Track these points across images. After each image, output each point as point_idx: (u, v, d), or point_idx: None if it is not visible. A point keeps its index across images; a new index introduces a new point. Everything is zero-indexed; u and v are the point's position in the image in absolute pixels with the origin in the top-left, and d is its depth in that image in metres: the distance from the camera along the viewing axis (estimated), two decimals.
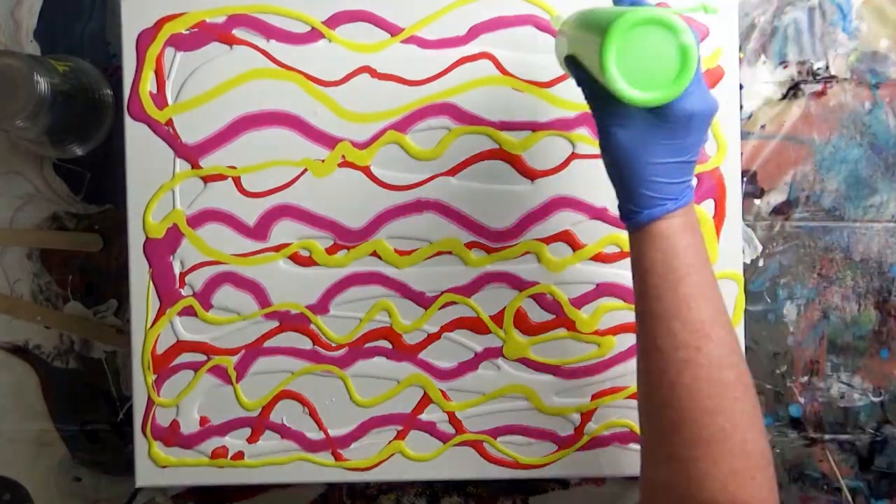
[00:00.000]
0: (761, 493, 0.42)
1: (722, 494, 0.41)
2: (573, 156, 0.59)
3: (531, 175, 0.59)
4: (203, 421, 0.59)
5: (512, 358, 0.59)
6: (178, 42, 0.58)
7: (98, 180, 0.63)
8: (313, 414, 0.59)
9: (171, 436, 0.59)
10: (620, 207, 0.44)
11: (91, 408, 0.64)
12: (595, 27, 0.40)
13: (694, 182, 0.44)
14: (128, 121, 0.58)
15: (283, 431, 0.59)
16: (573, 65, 0.45)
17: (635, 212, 0.42)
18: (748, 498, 0.41)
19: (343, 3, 0.58)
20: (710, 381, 0.41)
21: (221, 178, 0.58)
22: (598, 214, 0.59)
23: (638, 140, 0.41)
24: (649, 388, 0.43)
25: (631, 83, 0.38)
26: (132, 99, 0.58)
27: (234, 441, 0.59)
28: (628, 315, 0.59)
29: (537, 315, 0.59)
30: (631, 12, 0.38)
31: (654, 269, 0.42)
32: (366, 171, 0.58)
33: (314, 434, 0.59)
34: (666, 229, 0.42)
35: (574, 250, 0.59)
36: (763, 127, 0.63)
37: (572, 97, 0.58)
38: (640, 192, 0.42)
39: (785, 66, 0.63)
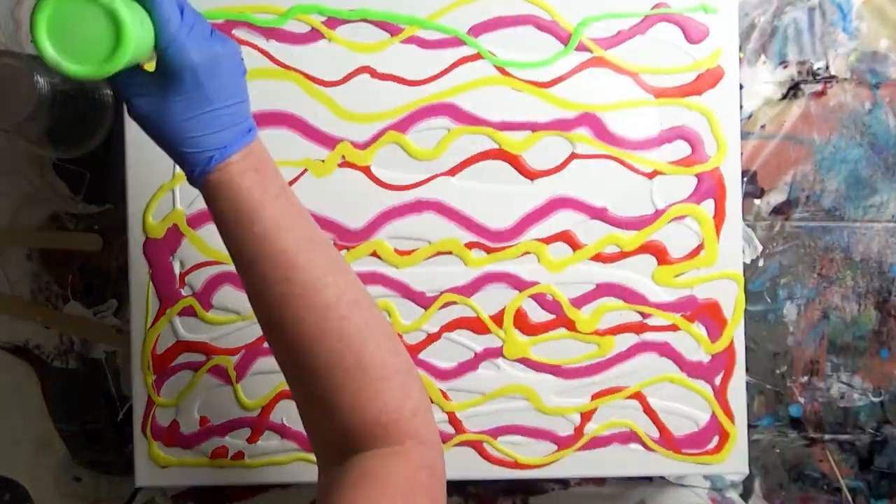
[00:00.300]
0: (392, 402, 0.41)
1: (352, 418, 0.41)
2: (573, 156, 0.59)
3: (531, 175, 0.59)
4: (203, 421, 0.59)
5: (512, 358, 0.59)
6: None
7: (98, 180, 0.63)
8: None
9: (171, 436, 0.59)
10: (181, 170, 0.43)
11: (91, 408, 0.64)
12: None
13: (248, 124, 0.43)
14: (128, 121, 0.58)
15: (283, 431, 0.59)
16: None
17: (189, 171, 0.42)
18: (377, 413, 0.41)
19: (347, 3, 0.58)
20: (310, 308, 0.41)
21: None
22: (598, 214, 0.59)
23: (157, 103, 0.40)
24: (271, 340, 0.43)
25: (67, 55, 0.37)
26: None
27: (234, 441, 0.59)
28: (628, 315, 0.59)
29: (537, 315, 0.59)
30: None
31: (225, 218, 0.42)
32: (365, 170, 0.58)
33: None
34: (222, 178, 0.42)
35: (574, 250, 0.59)
36: (763, 127, 0.63)
37: (572, 97, 0.58)
38: (182, 152, 0.41)
39: (785, 66, 0.63)
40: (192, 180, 0.43)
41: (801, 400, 0.64)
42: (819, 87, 0.63)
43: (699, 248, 0.59)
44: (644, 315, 0.59)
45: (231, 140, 0.42)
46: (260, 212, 0.42)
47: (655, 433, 0.59)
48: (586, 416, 0.59)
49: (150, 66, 0.41)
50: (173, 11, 0.39)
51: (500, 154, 0.58)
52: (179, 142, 0.41)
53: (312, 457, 0.59)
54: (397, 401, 0.42)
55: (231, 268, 0.58)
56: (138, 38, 0.37)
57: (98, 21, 0.37)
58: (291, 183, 0.58)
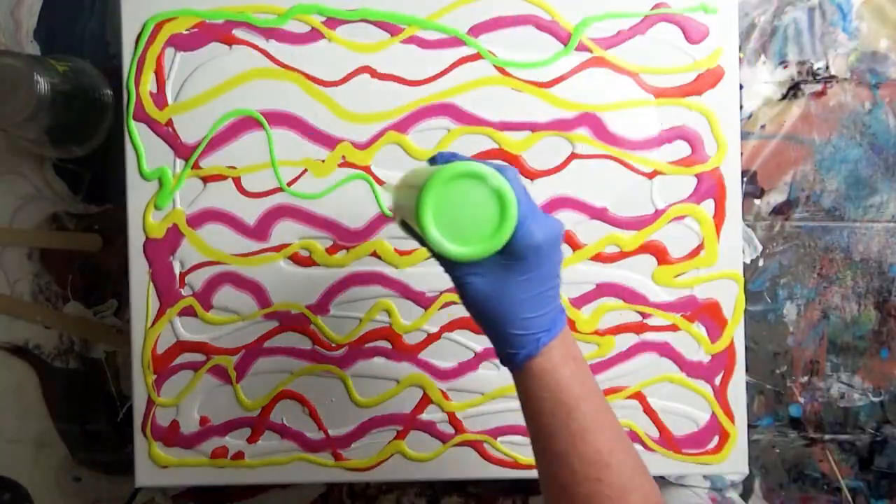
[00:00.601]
0: None
1: None
2: (573, 156, 0.59)
3: (531, 175, 0.59)
4: (203, 421, 0.59)
5: None
6: (178, 42, 0.58)
7: (98, 180, 0.63)
8: (313, 414, 0.59)
9: (171, 436, 0.59)
10: (498, 353, 0.43)
11: (91, 408, 0.64)
12: (413, 189, 0.40)
13: (560, 305, 0.42)
14: (128, 121, 0.58)
15: (283, 431, 0.59)
16: (408, 229, 0.44)
17: (513, 354, 0.41)
18: None
19: (347, 3, 0.58)
20: None
21: (221, 178, 0.58)
22: (598, 214, 0.59)
23: (495, 284, 0.40)
24: None
25: (453, 239, 0.38)
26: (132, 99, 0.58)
27: (234, 441, 0.59)
28: (628, 315, 0.59)
29: None
30: (441, 170, 0.38)
31: (542, 408, 0.41)
32: (366, 170, 0.58)
33: (314, 434, 0.59)
34: (546, 364, 0.41)
35: (574, 250, 0.59)
36: (763, 127, 0.63)
37: (572, 97, 0.58)
38: (512, 334, 0.41)
39: (785, 66, 0.63)
40: (513, 363, 0.42)
41: (801, 400, 0.64)
42: (819, 87, 0.63)
43: (699, 248, 0.59)
44: (644, 315, 0.59)
45: (552, 323, 0.42)
46: (580, 407, 0.41)
47: (655, 433, 0.59)
48: None
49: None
50: (522, 193, 0.39)
51: (499, 154, 0.58)
52: (511, 323, 0.41)
53: (312, 457, 0.59)
54: None
55: (231, 268, 0.58)
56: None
57: (483, 201, 0.38)
58: (291, 183, 0.58)
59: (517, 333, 0.41)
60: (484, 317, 0.41)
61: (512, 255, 0.39)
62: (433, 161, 0.44)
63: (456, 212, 0.38)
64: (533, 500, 0.64)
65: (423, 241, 0.41)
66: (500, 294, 0.40)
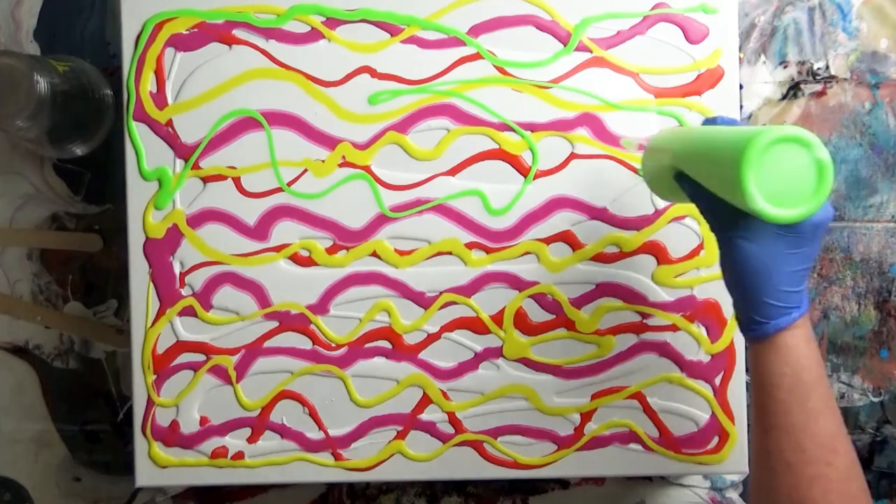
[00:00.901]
0: None
1: None
2: (573, 156, 0.59)
3: (532, 176, 0.59)
4: (203, 421, 0.59)
5: (512, 358, 0.59)
6: (178, 42, 0.58)
7: (98, 180, 0.63)
8: (313, 414, 0.59)
9: (171, 436, 0.59)
10: (741, 319, 0.43)
11: (91, 408, 0.64)
12: (722, 148, 0.40)
13: (806, 288, 0.43)
14: (128, 121, 0.58)
15: (283, 431, 0.59)
16: (687, 182, 0.45)
17: (762, 323, 0.42)
18: None
19: (347, 3, 0.58)
20: (840, 494, 0.41)
21: (221, 178, 0.58)
22: (598, 214, 0.59)
23: (765, 251, 0.41)
24: (775, 503, 0.42)
25: (769, 201, 0.38)
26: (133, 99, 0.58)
27: (234, 441, 0.59)
28: (628, 315, 0.59)
29: (537, 315, 0.59)
30: (766, 132, 0.38)
31: (782, 382, 0.42)
32: (366, 169, 0.58)
33: (314, 434, 0.59)
34: (792, 340, 0.42)
35: (574, 250, 0.59)
36: None
37: (572, 97, 0.58)
38: (768, 303, 0.41)
39: (785, 66, 0.63)
40: (757, 333, 0.42)
41: None
42: (819, 87, 0.63)
43: (699, 248, 0.59)
44: (644, 315, 0.59)
45: (802, 301, 0.42)
46: (817, 388, 0.42)
47: (655, 433, 0.59)
48: (586, 416, 0.59)
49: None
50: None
51: (500, 154, 0.58)
52: (770, 292, 0.41)
53: (312, 457, 0.59)
54: None
55: (231, 268, 0.58)
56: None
57: (801, 167, 0.38)
58: (291, 183, 0.58)
59: (773, 304, 0.41)
60: (743, 281, 0.42)
61: (792, 229, 0.40)
62: (712, 121, 0.45)
63: (773, 175, 0.38)
64: (533, 500, 0.64)
65: (702, 198, 0.43)
66: (768, 262, 0.41)
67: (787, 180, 0.38)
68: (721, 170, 0.40)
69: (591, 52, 0.58)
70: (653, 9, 0.58)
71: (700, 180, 0.43)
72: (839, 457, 0.41)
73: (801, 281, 0.42)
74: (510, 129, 0.58)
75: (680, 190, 0.46)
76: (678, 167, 0.46)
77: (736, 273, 0.42)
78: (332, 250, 0.59)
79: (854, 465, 0.42)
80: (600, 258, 0.59)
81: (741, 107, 0.62)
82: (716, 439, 0.59)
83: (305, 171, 0.59)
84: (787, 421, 0.42)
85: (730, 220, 0.42)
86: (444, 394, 0.59)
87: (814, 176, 0.39)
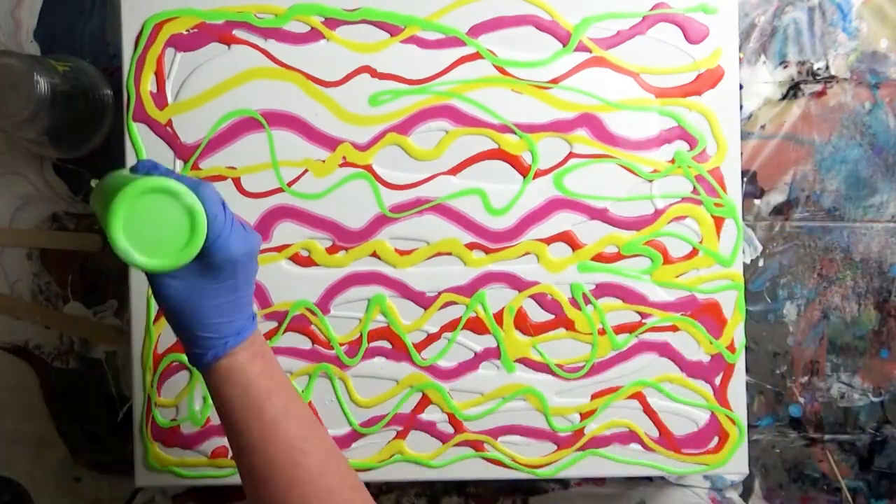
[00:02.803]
0: None
1: None
2: (573, 156, 0.59)
3: (532, 176, 0.59)
4: (203, 421, 0.59)
5: (512, 358, 0.59)
6: (178, 42, 0.58)
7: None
8: (313, 414, 0.59)
9: (171, 436, 0.59)
10: (187, 353, 0.44)
11: (91, 408, 0.64)
12: (108, 196, 0.41)
13: (252, 311, 0.45)
14: (128, 121, 0.58)
15: None
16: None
17: (200, 354, 0.43)
18: None
19: (348, 3, 0.58)
20: (317, 492, 0.43)
21: (221, 178, 0.58)
22: (598, 214, 0.59)
23: (189, 288, 0.42)
24: None
25: (142, 250, 0.39)
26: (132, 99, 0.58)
27: None
28: (628, 315, 0.59)
29: (537, 315, 0.59)
30: (134, 183, 0.39)
31: (233, 404, 0.43)
32: (367, 168, 0.58)
33: None
34: (234, 364, 0.43)
35: (574, 250, 0.59)
36: (763, 127, 0.63)
37: (572, 97, 0.58)
38: (200, 336, 0.42)
39: (785, 66, 0.63)
40: (200, 364, 0.43)
41: (801, 400, 0.64)
42: (819, 87, 0.63)
43: (699, 248, 0.59)
44: (644, 315, 0.59)
45: (243, 327, 0.44)
46: (271, 399, 0.43)
47: (655, 433, 0.59)
48: (586, 416, 0.59)
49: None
50: (219, 208, 0.41)
51: (499, 154, 0.58)
52: (201, 326, 0.42)
53: None
54: None
55: None
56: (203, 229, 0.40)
57: (174, 215, 0.39)
58: (291, 183, 0.58)
59: (205, 336, 0.43)
60: (176, 318, 0.43)
61: (208, 265, 0.41)
62: (134, 169, 0.45)
63: (147, 224, 0.39)
64: (533, 500, 0.64)
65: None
66: (193, 299, 0.42)
67: (163, 228, 0.39)
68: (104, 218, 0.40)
69: (590, 52, 0.58)
70: (653, 9, 0.58)
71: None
72: (308, 457, 0.43)
73: (231, 312, 0.43)
74: (510, 130, 0.58)
75: None
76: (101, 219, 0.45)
77: (167, 311, 0.43)
78: (332, 250, 0.59)
79: (330, 459, 0.44)
80: (600, 258, 0.59)
81: (741, 107, 0.62)
82: (716, 439, 0.59)
83: (306, 171, 0.59)
84: (249, 439, 0.43)
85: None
86: (444, 394, 0.59)
87: (187, 224, 0.39)
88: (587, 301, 0.59)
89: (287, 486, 0.43)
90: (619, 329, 0.59)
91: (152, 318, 0.59)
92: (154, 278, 0.42)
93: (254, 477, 0.44)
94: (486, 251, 0.59)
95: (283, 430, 0.43)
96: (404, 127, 0.58)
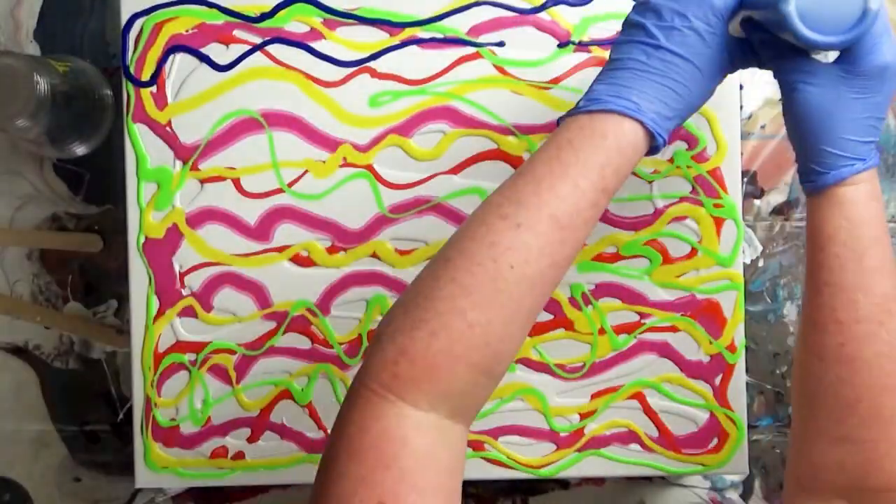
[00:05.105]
0: None
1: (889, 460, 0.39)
2: None
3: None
4: (203, 421, 0.59)
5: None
6: (178, 42, 0.58)
7: (98, 180, 0.63)
8: (313, 414, 0.59)
9: (171, 436, 0.59)
10: (801, 169, 0.42)
11: (91, 408, 0.64)
12: None
13: (876, 147, 0.41)
14: (127, 121, 0.58)
15: (283, 432, 0.59)
16: (750, 27, 0.42)
17: (820, 172, 0.40)
18: None
19: (348, 3, 0.58)
20: (892, 357, 0.40)
21: (220, 178, 0.58)
22: None
23: (827, 95, 0.39)
24: (822, 362, 0.41)
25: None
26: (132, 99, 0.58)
27: (234, 441, 0.59)
28: (628, 315, 0.59)
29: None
30: None
31: (838, 237, 0.40)
32: (368, 168, 0.58)
33: (314, 434, 0.59)
34: (853, 194, 0.40)
35: None
36: (763, 127, 0.63)
37: (572, 98, 0.58)
38: (827, 151, 0.40)
39: None
40: (816, 183, 0.41)
41: None
42: None
43: (699, 248, 0.59)
44: (644, 315, 0.59)
45: (869, 155, 0.40)
46: (876, 247, 0.40)
47: (655, 433, 0.59)
48: (586, 416, 0.59)
49: (827, 57, 0.40)
50: (882, 5, 0.38)
51: (499, 155, 0.58)
52: (830, 139, 0.40)
53: (312, 457, 0.59)
54: None
55: (231, 268, 0.58)
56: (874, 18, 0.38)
57: None
58: (291, 184, 0.58)
59: (832, 152, 0.40)
60: (803, 127, 0.40)
61: (855, 69, 0.39)
62: None
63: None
64: (533, 500, 0.64)
65: (764, 41, 0.41)
66: (829, 107, 0.39)
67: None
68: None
69: (590, 52, 0.58)
70: None
71: (759, 20, 0.41)
72: (894, 319, 0.40)
73: (867, 131, 0.40)
74: (511, 132, 0.58)
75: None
76: (745, 13, 0.43)
77: (795, 118, 0.41)
78: (332, 251, 0.59)
79: None
80: (600, 258, 0.59)
81: (741, 107, 0.62)
82: (716, 439, 0.59)
83: (306, 171, 0.59)
84: (840, 278, 0.40)
85: (791, 63, 0.40)
86: None
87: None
88: (587, 301, 0.59)
89: (864, 339, 0.40)
90: (619, 329, 0.59)
91: (152, 318, 0.59)
92: (793, 82, 0.40)
93: (829, 319, 0.41)
94: None
95: (879, 281, 0.40)
96: (405, 128, 0.58)
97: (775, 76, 0.42)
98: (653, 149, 0.42)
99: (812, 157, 0.41)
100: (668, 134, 0.42)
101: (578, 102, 0.42)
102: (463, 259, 0.39)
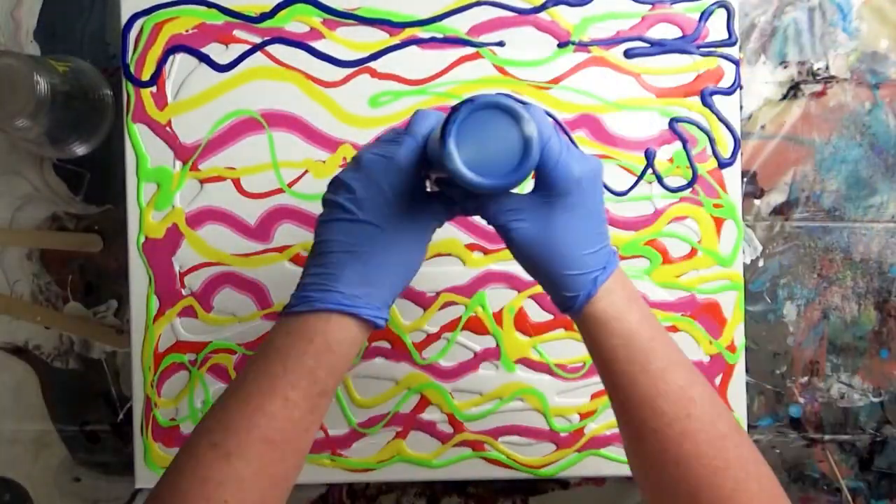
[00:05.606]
0: None
1: None
2: None
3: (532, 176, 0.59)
4: None
5: (512, 358, 0.59)
6: (178, 42, 0.58)
7: (98, 180, 0.63)
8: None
9: (172, 436, 0.59)
10: (556, 302, 0.42)
11: (91, 408, 0.64)
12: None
13: (611, 246, 0.42)
14: (127, 121, 0.58)
15: None
16: (443, 183, 0.42)
17: (571, 297, 0.41)
18: None
19: (348, 3, 0.58)
20: (710, 441, 0.40)
21: (220, 179, 0.58)
22: None
23: (541, 223, 0.39)
24: (655, 469, 0.41)
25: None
26: (132, 99, 0.58)
27: None
28: None
29: (537, 315, 0.59)
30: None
31: (617, 356, 0.41)
32: None
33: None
34: (613, 309, 0.40)
35: None
36: (763, 127, 0.63)
37: (572, 97, 0.58)
38: (565, 275, 0.40)
39: (785, 67, 0.63)
40: (574, 308, 0.41)
41: (801, 400, 0.64)
42: (819, 87, 0.63)
43: (699, 248, 0.59)
44: None
45: (607, 260, 0.41)
46: (655, 349, 0.41)
47: None
48: (586, 416, 0.59)
49: (524, 190, 0.40)
50: (552, 130, 0.38)
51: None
52: (565, 263, 0.40)
53: (312, 457, 0.59)
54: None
55: (231, 268, 0.58)
56: (535, 158, 0.37)
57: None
58: (292, 184, 0.58)
59: (571, 274, 0.40)
60: (535, 262, 0.40)
61: (552, 192, 0.39)
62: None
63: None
64: (533, 500, 0.64)
65: (463, 198, 0.40)
66: (548, 234, 0.39)
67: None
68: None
69: (590, 52, 0.58)
70: (652, 9, 0.59)
71: (444, 176, 0.41)
72: (696, 404, 0.40)
73: (594, 240, 0.40)
74: None
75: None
76: (434, 174, 0.43)
77: (524, 256, 0.41)
78: None
79: (714, 403, 0.41)
80: None
81: (741, 107, 0.62)
82: None
83: (306, 171, 0.59)
84: (637, 391, 0.40)
85: (495, 207, 0.40)
86: (445, 394, 0.59)
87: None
88: None
89: (680, 439, 0.40)
90: None
91: (152, 317, 0.59)
92: (504, 225, 0.40)
93: (644, 429, 0.41)
94: (486, 252, 0.59)
95: (672, 380, 0.40)
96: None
97: (489, 224, 0.41)
98: (376, 327, 0.41)
99: (557, 285, 0.41)
100: (387, 308, 0.41)
101: (292, 297, 0.41)
102: (175, 500, 0.38)
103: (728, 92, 0.58)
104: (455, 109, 0.37)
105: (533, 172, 0.38)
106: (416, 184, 0.40)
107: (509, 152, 0.37)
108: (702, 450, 0.40)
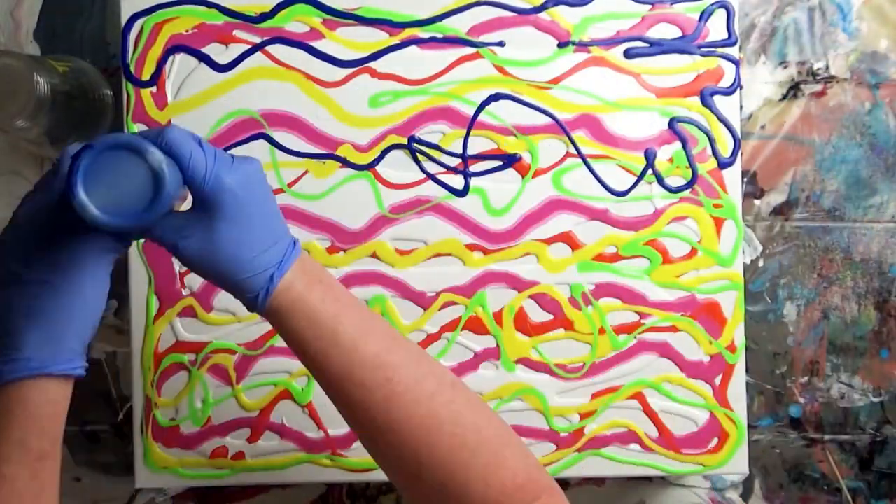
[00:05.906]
0: (520, 463, 0.42)
1: (487, 493, 0.40)
2: (568, 154, 0.59)
3: (531, 175, 0.59)
4: (203, 421, 0.59)
5: (512, 358, 0.59)
6: (178, 42, 0.58)
7: None
8: (313, 414, 0.59)
9: (171, 436, 0.59)
10: (244, 304, 0.42)
11: (91, 408, 0.64)
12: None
13: (290, 238, 0.42)
14: (129, 121, 0.58)
15: (283, 431, 0.59)
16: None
17: (253, 297, 0.41)
18: (511, 479, 0.41)
19: (348, 3, 0.58)
20: (418, 401, 0.41)
21: None
22: (598, 215, 0.59)
23: (207, 237, 0.39)
24: (374, 441, 0.42)
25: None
26: (132, 99, 0.58)
27: (234, 441, 0.59)
28: (628, 315, 0.59)
29: (537, 315, 0.59)
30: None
31: (304, 336, 0.41)
32: (369, 168, 0.58)
33: (314, 434, 0.59)
34: (291, 297, 0.41)
35: (574, 250, 0.59)
36: (763, 127, 0.63)
37: (572, 97, 0.58)
38: (242, 279, 0.40)
39: (785, 67, 0.63)
40: (258, 307, 0.41)
41: (801, 400, 0.64)
42: (819, 87, 0.63)
43: (699, 248, 0.59)
44: (644, 315, 0.59)
45: (283, 255, 0.41)
46: (341, 322, 0.41)
47: (655, 433, 0.59)
48: (586, 416, 0.59)
49: (182, 207, 0.40)
50: (194, 147, 0.38)
51: (499, 154, 0.58)
52: (236, 269, 0.40)
53: (312, 456, 0.59)
54: (522, 460, 0.42)
55: None
56: (172, 186, 0.37)
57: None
58: (292, 184, 0.58)
59: (246, 277, 0.40)
60: (210, 274, 0.41)
61: (210, 206, 0.39)
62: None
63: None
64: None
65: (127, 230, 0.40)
66: (214, 247, 0.39)
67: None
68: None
69: (590, 52, 0.58)
70: (652, 9, 0.59)
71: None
72: (398, 369, 0.41)
73: (261, 243, 0.40)
74: (511, 132, 0.58)
75: None
76: None
77: (201, 270, 0.41)
78: (331, 251, 0.59)
79: (421, 365, 0.42)
80: (600, 258, 0.59)
81: (741, 107, 0.62)
82: (715, 439, 0.59)
83: (306, 171, 0.59)
84: (332, 368, 0.41)
85: (158, 228, 0.40)
86: None
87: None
88: (587, 301, 0.59)
89: (385, 404, 0.40)
90: (619, 329, 0.59)
91: (152, 317, 0.59)
92: (170, 245, 0.40)
93: (349, 407, 0.41)
94: (486, 252, 0.59)
95: (364, 349, 0.41)
96: (405, 129, 0.58)
97: (160, 245, 0.41)
98: (77, 377, 0.41)
99: (237, 290, 0.41)
100: (80, 356, 0.41)
101: None
102: None
103: (728, 92, 0.58)
104: (76, 157, 0.36)
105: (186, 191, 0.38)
106: (72, 223, 0.39)
107: (143, 187, 0.37)
108: (411, 411, 0.40)
